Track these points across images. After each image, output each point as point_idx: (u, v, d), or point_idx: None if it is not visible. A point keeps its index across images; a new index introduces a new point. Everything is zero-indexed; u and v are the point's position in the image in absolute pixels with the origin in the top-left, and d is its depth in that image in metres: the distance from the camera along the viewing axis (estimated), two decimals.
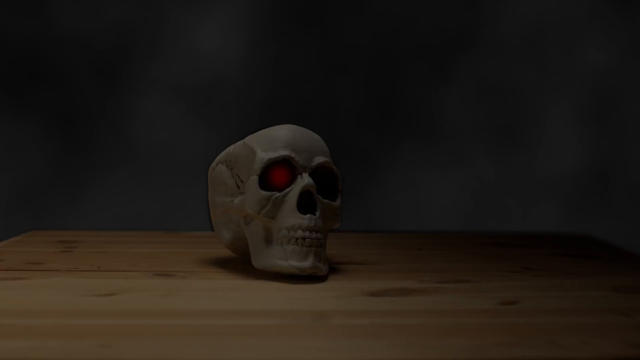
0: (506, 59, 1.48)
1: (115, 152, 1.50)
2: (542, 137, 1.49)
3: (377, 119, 1.47)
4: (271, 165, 0.72)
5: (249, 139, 0.74)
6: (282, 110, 1.46)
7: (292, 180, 0.72)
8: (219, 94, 1.47)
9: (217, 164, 0.77)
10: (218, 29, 1.43)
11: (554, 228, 1.50)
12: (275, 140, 0.72)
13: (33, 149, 1.48)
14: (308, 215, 0.71)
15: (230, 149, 0.76)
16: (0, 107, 1.46)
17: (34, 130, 1.48)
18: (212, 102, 1.48)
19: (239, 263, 0.82)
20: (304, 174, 0.72)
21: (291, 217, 0.70)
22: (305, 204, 0.73)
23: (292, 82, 1.45)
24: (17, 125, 1.46)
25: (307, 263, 0.70)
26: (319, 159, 0.74)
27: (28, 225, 1.48)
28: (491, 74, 1.49)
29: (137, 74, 1.50)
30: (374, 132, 1.48)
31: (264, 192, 0.71)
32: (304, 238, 0.70)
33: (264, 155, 0.71)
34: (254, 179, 0.71)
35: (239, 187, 0.73)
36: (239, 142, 0.75)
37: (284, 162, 0.72)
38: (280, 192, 0.72)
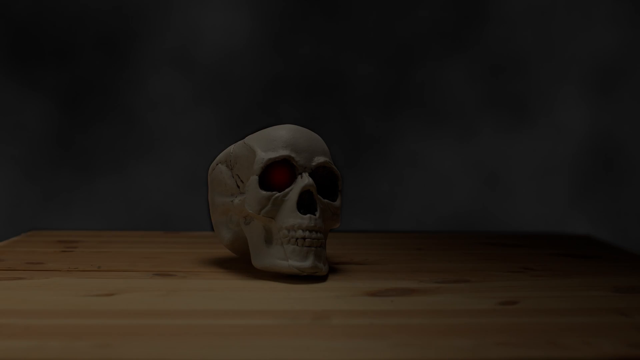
0: (514, 34, 1.48)
1: (120, 130, 1.50)
2: (550, 114, 1.49)
3: (382, 96, 1.47)
4: (271, 165, 0.72)
5: (249, 139, 0.74)
6: (287, 87, 1.46)
7: (292, 180, 0.72)
8: (226, 71, 1.46)
9: (217, 164, 0.77)
10: (224, 6, 1.43)
11: (561, 206, 1.49)
12: (275, 140, 0.72)
13: (38, 127, 1.48)
14: (308, 215, 0.71)
15: (230, 148, 0.76)
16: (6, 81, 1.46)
17: (39, 108, 1.48)
18: (219, 79, 1.48)
19: (239, 263, 0.81)
20: (304, 174, 0.72)
21: (291, 217, 0.70)
22: (305, 203, 0.73)
23: (297, 59, 1.45)
24: (22, 100, 1.46)
25: (307, 263, 0.70)
26: (319, 159, 0.74)
27: (35, 203, 1.47)
28: (499, 50, 1.48)
29: (143, 50, 1.49)
30: (380, 107, 1.48)
31: (264, 192, 0.71)
32: (304, 238, 0.70)
33: (263, 155, 0.71)
34: (254, 178, 0.71)
35: (239, 187, 0.73)
36: (239, 142, 0.75)
37: (284, 162, 0.72)
38: (280, 192, 0.72)
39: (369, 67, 1.50)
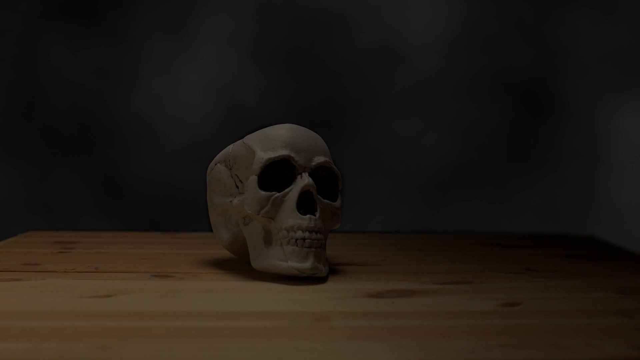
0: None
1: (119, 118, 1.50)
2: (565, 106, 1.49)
3: (377, 64, 1.47)
4: (271, 165, 0.72)
5: (248, 139, 0.74)
6: (276, 55, 1.46)
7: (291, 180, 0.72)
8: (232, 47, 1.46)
9: (215, 164, 0.76)
10: None
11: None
12: (274, 139, 0.72)
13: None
14: (308, 216, 0.70)
15: (229, 148, 0.75)
16: None
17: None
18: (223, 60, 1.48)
19: (238, 264, 0.81)
20: (303, 174, 0.72)
21: (291, 218, 0.70)
22: (305, 204, 0.72)
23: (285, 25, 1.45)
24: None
25: (306, 264, 0.69)
26: (319, 159, 0.73)
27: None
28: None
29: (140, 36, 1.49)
30: (374, 78, 1.48)
31: (263, 192, 0.70)
32: (303, 239, 0.69)
33: (263, 155, 0.71)
34: (254, 178, 0.71)
35: (238, 187, 0.73)
36: (238, 142, 0.75)
37: (284, 162, 0.72)
38: (279, 192, 0.71)
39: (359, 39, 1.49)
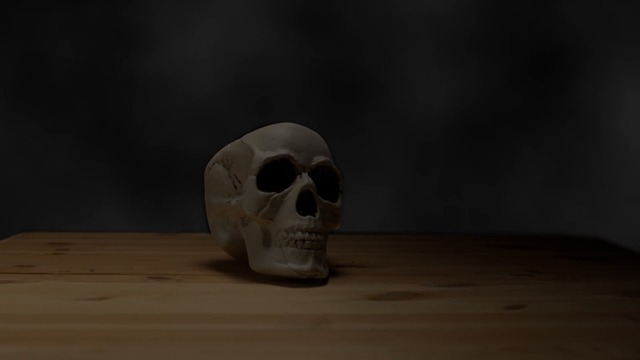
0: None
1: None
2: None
3: (381, 39, 1.48)
4: (270, 165, 0.71)
5: (247, 138, 0.73)
6: (286, 13, 1.46)
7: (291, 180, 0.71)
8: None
9: (213, 164, 0.75)
10: None
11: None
12: (273, 139, 0.71)
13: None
14: (308, 217, 0.69)
15: (227, 148, 0.74)
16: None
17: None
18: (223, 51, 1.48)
19: (236, 266, 0.80)
20: (303, 174, 0.71)
21: (290, 218, 0.69)
22: (304, 204, 0.71)
23: None
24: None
25: (306, 266, 0.68)
26: (319, 159, 0.72)
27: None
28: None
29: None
30: (379, 56, 1.48)
31: (262, 193, 0.69)
32: (303, 240, 0.69)
33: (262, 155, 0.70)
34: (252, 178, 0.70)
35: (236, 187, 0.72)
36: (236, 141, 0.74)
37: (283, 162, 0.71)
38: (279, 192, 0.70)
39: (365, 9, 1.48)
